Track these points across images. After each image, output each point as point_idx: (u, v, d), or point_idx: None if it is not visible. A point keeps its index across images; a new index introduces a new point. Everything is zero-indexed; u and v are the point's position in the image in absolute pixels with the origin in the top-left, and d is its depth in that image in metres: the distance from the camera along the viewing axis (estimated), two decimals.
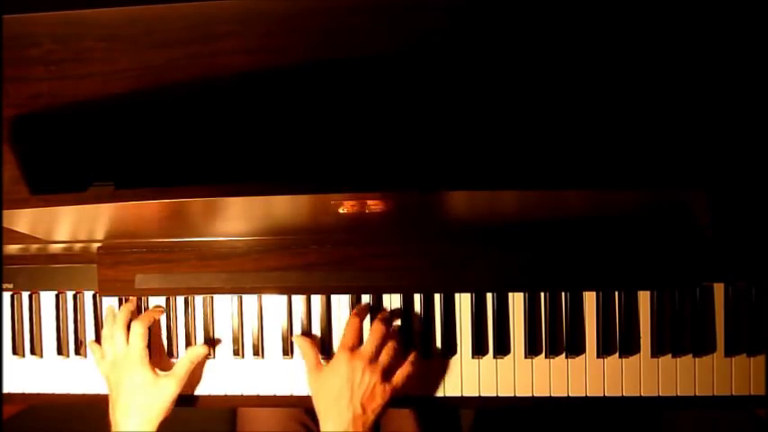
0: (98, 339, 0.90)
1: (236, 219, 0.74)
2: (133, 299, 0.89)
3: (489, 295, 0.85)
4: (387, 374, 0.78)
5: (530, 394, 0.85)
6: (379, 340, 0.79)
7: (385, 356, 0.78)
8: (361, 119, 0.68)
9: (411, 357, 0.81)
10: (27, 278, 0.91)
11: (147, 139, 0.70)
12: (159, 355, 0.89)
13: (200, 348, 0.86)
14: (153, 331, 0.89)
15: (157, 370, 0.83)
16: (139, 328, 0.83)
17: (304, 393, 0.87)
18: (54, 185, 0.71)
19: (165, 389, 0.81)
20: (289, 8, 0.68)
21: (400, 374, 0.79)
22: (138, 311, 0.89)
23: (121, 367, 0.82)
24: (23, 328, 0.92)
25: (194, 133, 0.70)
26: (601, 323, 0.84)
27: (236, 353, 0.88)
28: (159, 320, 0.89)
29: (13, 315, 0.92)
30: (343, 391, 0.75)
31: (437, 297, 0.86)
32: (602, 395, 0.84)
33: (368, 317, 0.86)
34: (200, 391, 0.89)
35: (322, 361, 0.84)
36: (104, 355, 0.85)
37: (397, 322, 0.86)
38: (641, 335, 0.84)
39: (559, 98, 0.67)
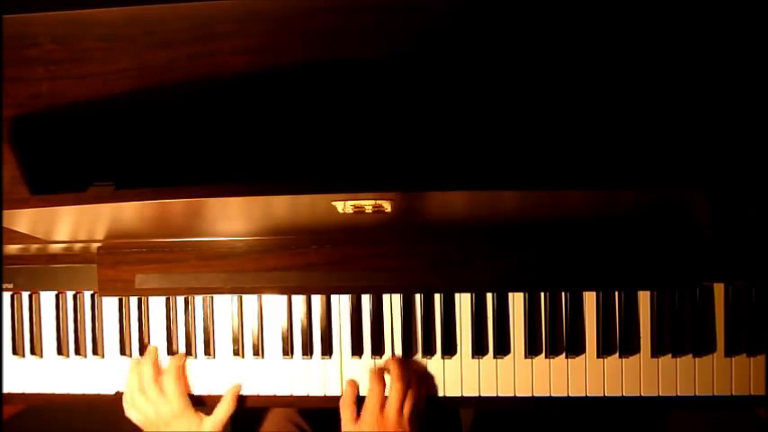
0: (95, 339, 0.90)
1: (236, 219, 0.74)
2: (152, 349, 0.88)
3: (489, 295, 0.85)
4: (413, 421, 0.81)
5: (530, 394, 0.84)
6: (399, 397, 0.80)
7: (408, 408, 0.80)
8: (362, 119, 0.68)
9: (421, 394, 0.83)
10: (27, 278, 0.91)
11: (147, 139, 0.70)
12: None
13: (236, 387, 0.87)
14: (153, 332, 0.89)
15: (200, 415, 0.85)
16: (171, 381, 0.85)
17: (303, 393, 0.87)
18: (54, 185, 0.71)
19: None
20: (289, 8, 0.68)
21: (420, 413, 0.83)
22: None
23: (162, 421, 0.84)
24: (23, 328, 0.92)
25: (194, 133, 0.70)
26: (601, 323, 0.84)
27: (236, 353, 0.88)
28: (159, 320, 0.89)
29: (13, 315, 0.92)
30: None
31: (437, 297, 0.86)
32: (602, 395, 0.84)
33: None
34: (200, 391, 0.89)
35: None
36: (136, 406, 0.86)
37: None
38: (641, 335, 0.84)
39: (559, 99, 0.67)
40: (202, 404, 0.89)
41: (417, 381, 0.83)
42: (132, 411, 0.87)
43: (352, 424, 0.82)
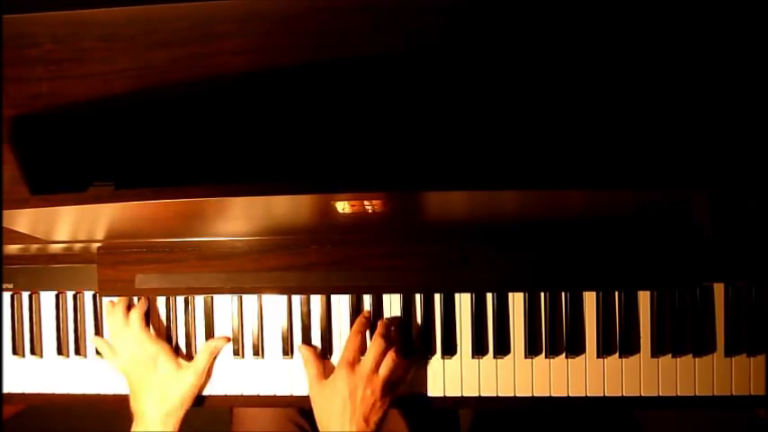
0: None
1: (237, 219, 0.74)
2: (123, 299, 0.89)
3: (489, 295, 0.85)
4: (387, 386, 0.79)
5: (530, 394, 0.84)
6: (378, 355, 0.80)
7: (384, 370, 0.79)
8: (362, 119, 0.68)
9: (407, 365, 0.83)
10: (27, 278, 0.91)
11: (148, 139, 0.70)
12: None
13: (218, 341, 0.87)
14: (153, 332, 0.89)
15: (180, 360, 0.86)
16: (138, 329, 0.85)
17: (304, 393, 0.87)
18: (54, 185, 0.71)
19: (185, 380, 0.84)
20: (289, 8, 0.68)
21: (400, 385, 0.81)
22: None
23: (138, 362, 0.84)
24: (23, 328, 0.92)
25: (194, 133, 0.70)
26: (601, 323, 0.84)
27: (236, 353, 0.88)
28: (160, 320, 0.89)
29: (13, 315, 0.92)
30: (345, 407, 0.77)
31: (437, 297, 0.86)
32: (602, 395, 0.84)
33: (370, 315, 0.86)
34: (200, 391, 0.89)
35: (323, 363, 0.85)
36: (117, 352, 0.86)
37: (395, 326, 0.86)
38: (641, 335, 0.84)
39: (560, 98, 0.67)
40: (202, 404, 0.89)
41: (406, 366, 0.83)
42: (113, 358, 0.87)
43: (317, 384, 0.82)
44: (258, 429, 0.99)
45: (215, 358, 0.88)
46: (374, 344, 0.80)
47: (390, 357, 0.80)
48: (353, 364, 0.80)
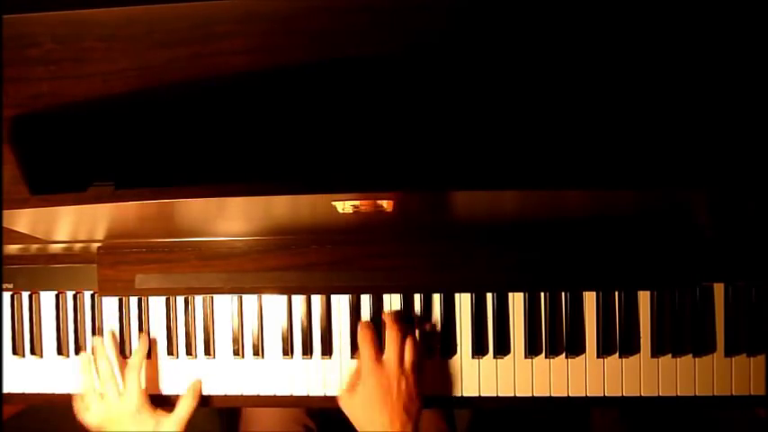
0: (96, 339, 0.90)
1: (236, 219, 0.74)
2: (109, 346, 0.88)
3: (489, 295, 0.85)
4: (416, 372, 0.77)
5: (530, 394, 0.85)
6: (398, 343, 0.78)
7: (409, 355, 0.77)
8: (362, 119, 0.68)
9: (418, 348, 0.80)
10: (27, 278, 0.91)
11: (148, 139, 0.70)
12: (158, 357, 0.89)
13: (197, 382, 0.87)
14: (153, 332, 0.89)
15: (158, 411, 0.84)
16: (134, 376, 0.84)
17: (303, 393, 0.87)
18: (54, 185, 0.71)
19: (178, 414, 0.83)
20: (289, 8, 0.68)
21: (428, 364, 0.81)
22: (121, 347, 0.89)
23: (118, 420, 0.82)
24: (23, 328, 0.92)
25: (194, 133, 0.70)
26: (601, 323, 0.84)
27: (236, 353, 0.88)
28: (159, 320, 0.89)
29: (13, 315, 0.92)
30: (384, 405, 0.74)
31: (437, 297, 0.86)
32: (602, 395, 0.84)
33: (368, 318, 0.86)
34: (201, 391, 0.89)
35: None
36: (89, 407, 0.85)
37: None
38: (641, 335, 0.84)
39: (559, 98, 0.67)
40: (202, 404, 0.89)
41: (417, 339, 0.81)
42: (86, 414, 0.86)
43: (349, 392, 0.79)
44: (264, 430, 0.99)
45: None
46: (390, 334, 0.78)
47: (410, 342, 0.78)
48: (377, 359, 0.77)
